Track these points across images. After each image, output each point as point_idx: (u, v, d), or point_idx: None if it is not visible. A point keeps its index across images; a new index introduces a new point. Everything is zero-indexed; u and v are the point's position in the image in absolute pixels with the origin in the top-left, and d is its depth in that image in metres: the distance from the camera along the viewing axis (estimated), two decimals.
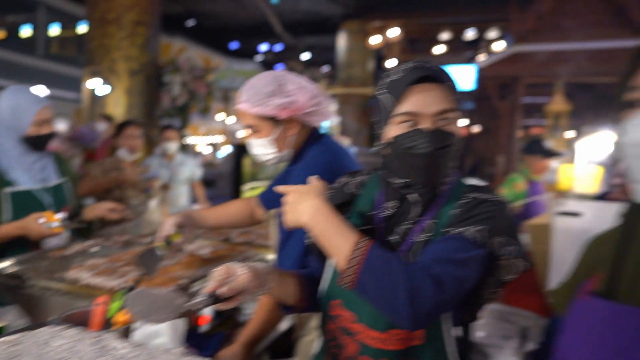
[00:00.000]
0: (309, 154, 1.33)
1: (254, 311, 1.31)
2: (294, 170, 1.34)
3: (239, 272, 0.87)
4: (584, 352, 0.61)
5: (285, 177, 1.40)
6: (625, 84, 0.63)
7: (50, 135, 1.90)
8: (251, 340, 1.24)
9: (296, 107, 1.30)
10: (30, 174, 1.85)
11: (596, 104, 8.99)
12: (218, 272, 0.88)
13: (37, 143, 1.84)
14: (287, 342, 1.52)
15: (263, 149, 1.34)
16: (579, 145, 5.46)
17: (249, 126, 1.34)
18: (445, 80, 0.87)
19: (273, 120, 1.31)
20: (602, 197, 4.24)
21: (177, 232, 1.46)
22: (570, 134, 7.89)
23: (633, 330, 0.57)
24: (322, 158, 1.31)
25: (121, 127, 3.27)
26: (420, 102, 0.85)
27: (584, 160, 5.24)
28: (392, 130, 0.88)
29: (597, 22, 7.13)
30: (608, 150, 5.41)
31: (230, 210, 1.61)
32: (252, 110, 1.29)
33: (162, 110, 7.30)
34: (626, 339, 0.57)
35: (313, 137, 1.37)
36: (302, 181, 1.16)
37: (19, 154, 1.82)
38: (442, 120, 0.86)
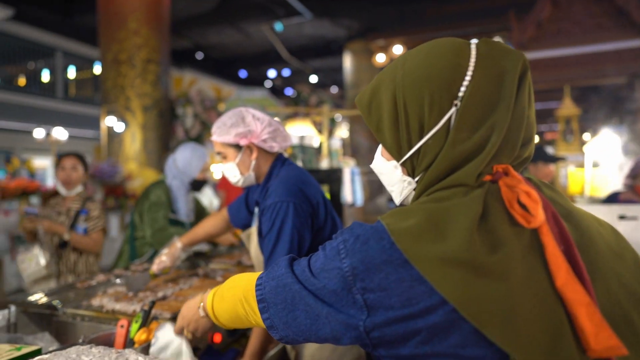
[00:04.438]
0: (281, 173, 1.55)
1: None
2: (271, 185, 1.52)
3: None
4: None
5: (260, 195, 1.58)
6: None
7: (205, 182, 2.66)
8: (256, 352, 1.35)
9: (253, 135, 1.53)
10: (185, 209, 2.60)
11: (605, 105, 8.96)
12: None
13: (197, 185, 2.62)
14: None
15: (230, 172, 1.57)
16: (588, 149, 5.47)
17: (219, 153, 1.58)
18: None
19: (236, 147, 1.54)
20: (613, 197, 4.24)
21: (168, 267, 1.79)
22: (585, 136, 7.90)
23: None
24: (293, 174, 1.54)
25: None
26: None
27: (593, 163, 5.25)
28: None
29: (598, 25, 7.19)
30: (617, 151, 5.40)
31: (206, 226, 1.88)
32: (219, 139, 1.55)
33: (177, 142, 7.57)
34: None
35: (279, 161, 1.60)
36: (280, 193, 1.37)
37: (183, 192, 2.59)
38: None
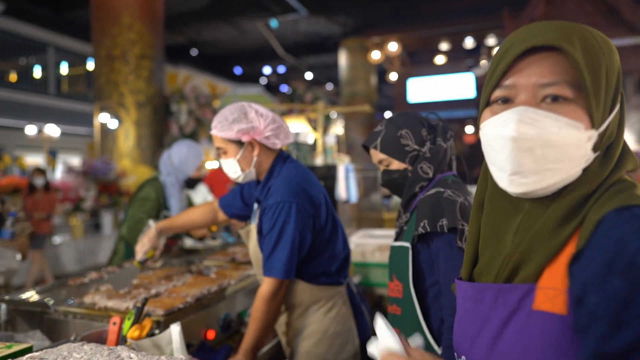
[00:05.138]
0: (284, 171, 1.52)
1: (248, 322, 1.43)
2: (273, 184, 1.50)
3: None
4: (457, 328, 0.72)
5: (261, 193, 1.56)
6: (492, 84, 0.65)
7: (200, 179, 2.65)
8: (250, 348, 1.35)
9: (256, 131, 1.50)
10: (179, 205, 2.58)
11: None
12: None
13: (191, 183, 2.62)
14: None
15: (230, 168, 1.54)
16: None
17: (219, 148, 1.54)
18: (370, 145, 1.31)
19: (238, 143, 1.50)
20: None
21: (151, 250, 1.71)
22: None
23: (469, 300, 0.68)
24: (296, 173, 1.52)
25: None
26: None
27: None
28: None
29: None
30: None
31: (193, 214, 1.83)
32: (220, 134, 1.50)
33: (171, 138, 7.53)
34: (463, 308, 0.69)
35: (281, 158, 1.57)
36: (283, 193, 1.37)
37: (177, 189, 2.57)
38: (382, 165, 1.31)
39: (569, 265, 0.57)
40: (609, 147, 0.62)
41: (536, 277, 0.60)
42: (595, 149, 0.60)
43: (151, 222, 1.77)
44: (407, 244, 1.19)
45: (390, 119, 1.31)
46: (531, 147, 0.59)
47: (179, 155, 2.53)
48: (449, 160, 1.29)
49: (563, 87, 0.59)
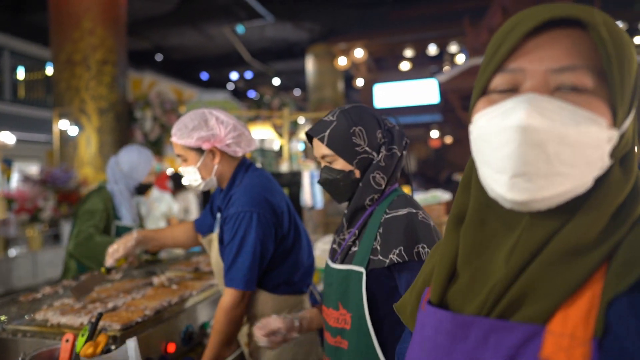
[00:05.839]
0: (245, 179, 1.51)
1: (210, 334, 1.41)
2: (234, 193, 1.48)
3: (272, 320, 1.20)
4: None
5: (222, 202, 1.53)
6: (492, 69, 0.53)
7: (151, 185, 2.54)
8: None
9: (216, 139, 1.48)
10: (131, 213, 2.47)
11: None
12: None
13: (142, 189, 2.52)
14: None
15: (191, 176, 1.52)
16: None
17: (179, 155, 1.52)
18: (315, 136, 1.13)
19: (198, 150, 1.49)
20: None
21: (122, 258, 1.66)
22: None
23: (445, 334, 0.54)
24: (258, 181, 1.50)
25: None
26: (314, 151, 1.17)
27: None
28: None
29: None
30: None
31: (177, 232, 1.78)
32: (180, 141, 1.48)
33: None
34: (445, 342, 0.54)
35: (243, 166, 1.55)
36: (244, 202, 1.36)
37: (127, 197, 2.45)
38: (324, 161, 1.14)
39: (604, 309, 0.45)
40: (624, 157, 0.51)
41: (545, 317, 0.47)
42: (611, 155, 0.50)
43: (134, 230, 1.71)
44: (360, 269, 1.03)
45: (344, 110, 1.12)
46: (543, 141, 0.46)
47: (129, 162, 2.41)
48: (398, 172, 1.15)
49: (583, 73, 0.48)
